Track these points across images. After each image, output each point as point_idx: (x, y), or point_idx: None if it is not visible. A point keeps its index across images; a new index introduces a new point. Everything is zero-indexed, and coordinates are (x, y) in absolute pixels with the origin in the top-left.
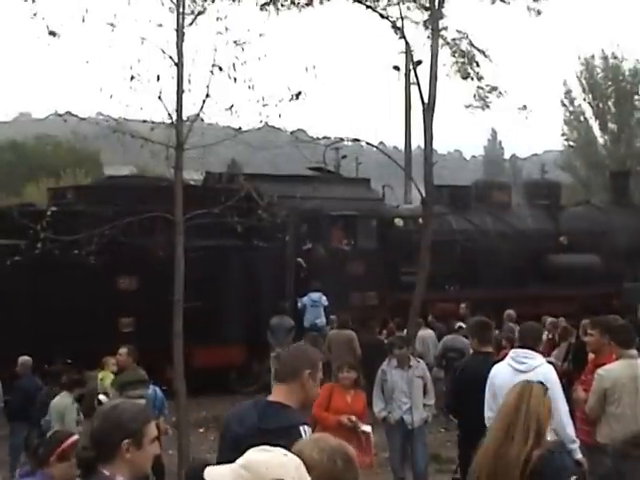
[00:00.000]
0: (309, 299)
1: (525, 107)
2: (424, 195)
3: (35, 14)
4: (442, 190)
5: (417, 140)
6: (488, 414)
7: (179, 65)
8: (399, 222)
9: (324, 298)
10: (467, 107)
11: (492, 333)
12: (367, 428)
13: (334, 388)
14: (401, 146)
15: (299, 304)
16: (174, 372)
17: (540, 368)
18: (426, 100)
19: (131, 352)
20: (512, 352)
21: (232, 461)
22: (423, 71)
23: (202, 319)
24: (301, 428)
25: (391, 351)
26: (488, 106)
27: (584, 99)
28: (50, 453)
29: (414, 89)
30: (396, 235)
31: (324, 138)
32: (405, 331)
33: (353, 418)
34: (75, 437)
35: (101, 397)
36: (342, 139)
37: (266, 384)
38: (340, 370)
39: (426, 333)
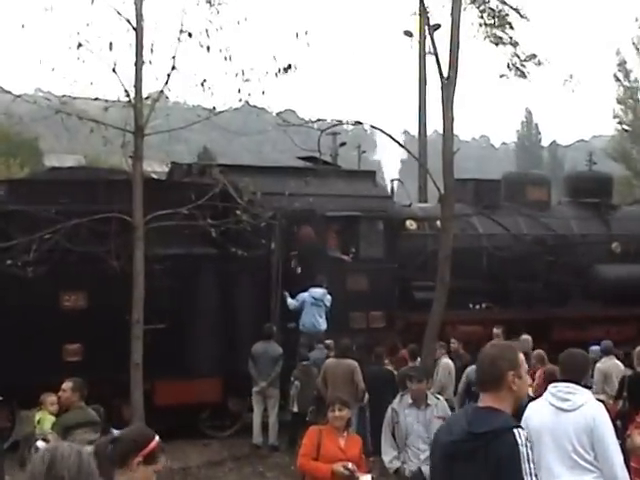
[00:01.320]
0: (310, 296)
1: (571, 77)
2: (442, 191)
3: None
4: (465, 185)
5: (434, 124)
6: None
7: (138, 30)
8: (412, 225)
9: (328, 297)
10: (501, 77)
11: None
12: (367, 478)
13: (323, 432)
14: (414, 131)
15: (294, 302)
16: (132, 411)
17: (587, 407)
18: (445, 73)
19: (78, 387)
20: (551, 387)
21: (445, 472)
22: (442, 37)
23: (167, 345)
24: (515, 431)
25: (404, 385)
26: (525, 76)
27: None
28: (134, 454)
29: (430, 60)
30: (408, 241)
31: (318, 121)
32: (420, 360)
33: (350, 465)
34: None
35: (39, 444)
36: (341, 122)
37: (246, 426)
38: (330, 408)
39: (448, 363)
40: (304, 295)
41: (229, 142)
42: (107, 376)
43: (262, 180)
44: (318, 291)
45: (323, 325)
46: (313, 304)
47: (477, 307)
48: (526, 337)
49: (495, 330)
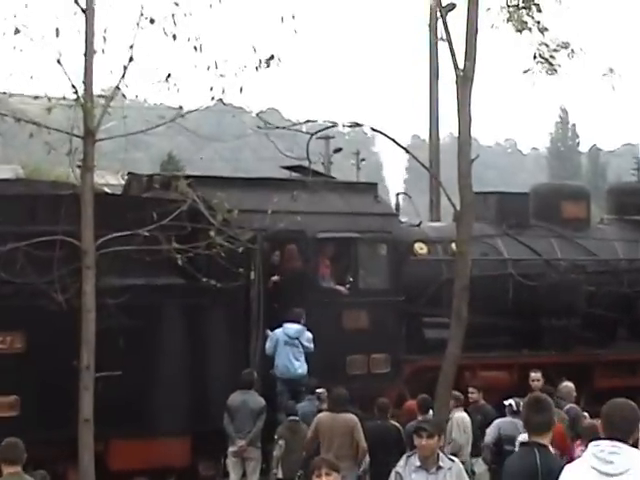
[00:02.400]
0: (283, 333)
1: (612, 71)
2: (458, 207)
3: None
4: (486, 199)
5: (448, 126)
6: None
7: (88, 13)
8: (421, 248)
9: (307, 335)
10: (525, 72)
11: (550, 416)
12: None
13: None
14: (424, 134)
15: (268, 343)
16: (80, 478)
17: (635, 471)
18: (461, 64)
19: (12, 448)
20: (593, 446)
21: None
22: (457, 22)
23: (123, 397)
24: None
25: (412, 444)
26: (555, 70)
27: None
28: None
29: (443, 49)
30: (417, 268)
31: (307, 122)
32: (432, 413)
33: None
34: None
35: None
36: (335, 124)
37: None
38: (315, 473)
39: (463, 418)
40: (277, 333)
41: (199, 148)
42: (50, 435)
43: (240, 195)
44: (292, 327)
45: (300, 369)
46: (287, 343)
47: (502, 349)
48: (568, 385)
49: (533, 374)
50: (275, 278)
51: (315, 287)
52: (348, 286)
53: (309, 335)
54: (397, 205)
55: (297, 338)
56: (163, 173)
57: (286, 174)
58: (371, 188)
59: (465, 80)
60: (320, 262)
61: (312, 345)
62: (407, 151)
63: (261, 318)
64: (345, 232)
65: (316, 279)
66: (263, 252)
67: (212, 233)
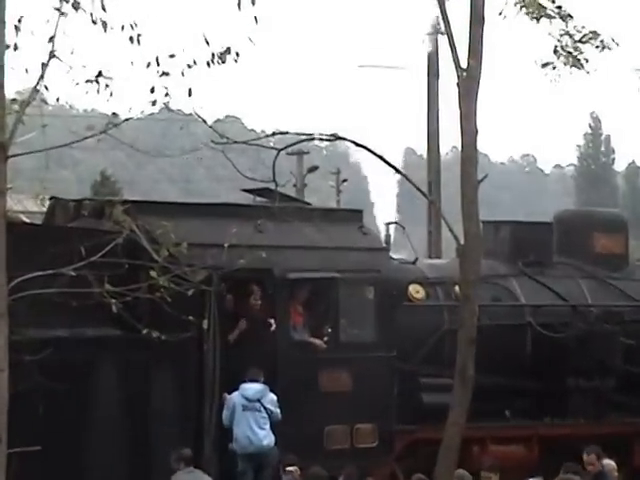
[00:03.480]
0: (240, 395)
1: None
2: (462, 241)
3: None
4: (498, 230)
5: (451, 139)
6: None
7: None
8: (417, 292)
9: (271, 397)
10: (543, 66)
11: None
12: None
13: None
14: (422, 149)
15: (225, 411)
16: None
17: None
18: (464, 64)
19: None
20: None
21: None
22: (459, 10)
23: (44, 476)
24: None
25: None
26: (582, 64)
27: None
28: None
29: (442, 42)
30: (412, 316)
31: (276, 134)
32: None
33: None
34: None
35: None
36: (311, 136)
37: None
38: None
39: None
40: (233, 396)
41: (140, 166)
42: None
43: (191, 224)
44: (252, 388)
45: (266, 439)
46: (246, 408)
47: (518, 416)
48: (610, 464)
49: (586, 457)
50: (235, 333)
51: (285, 340)
52: (326, 339)
53: (273, 397)
54: (387, 237)
55: (258, 400)
56: (94, 197)
57: (249, 199)
58: (355, 216)
59: (469, 81)
60: (291, 308)
61: (278, 410)
62: (398, 171)
63: (217, 378)
64: (323, 271)
65: (286, 329)
66: (220, 296)
67: (154, 273)
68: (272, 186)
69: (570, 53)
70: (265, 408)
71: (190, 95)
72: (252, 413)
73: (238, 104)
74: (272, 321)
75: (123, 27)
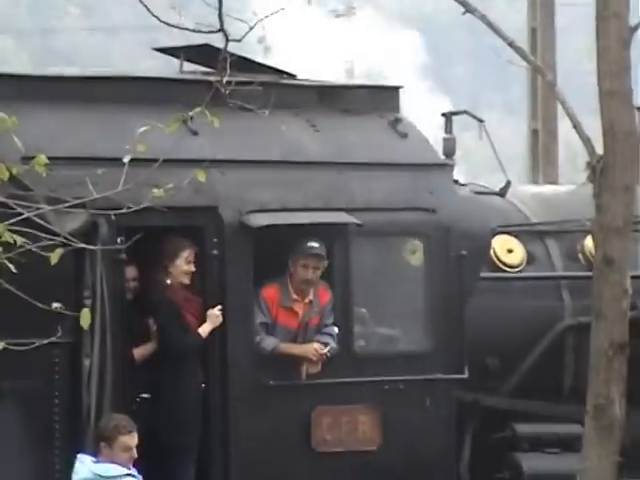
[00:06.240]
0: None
1: None
2: (598, 150)
3: None
4: None
5: None
6: None
7: None
8: (510, 251)
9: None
10: None
11: None
12: None
13: None
14: None
15: None
16: None
17: None
18: None
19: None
20: None
21: None
22: None
23: None
24: None
25: None
26: None
27: None
28: None
29: None
30: (498, 300)
31: None
32: None
33: None
34: None
35: None
36: None
37: None
38: None
39: None
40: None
41: None
42: None
43: (54, 118)
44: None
45: None
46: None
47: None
48: None
49: None
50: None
51: (243, 353)
52: (328, 347)
53: None
54: (451, 143)
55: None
56: None
57: (170, 66)
58: (385, 99)
59: None
60: (266, 285)
61: None
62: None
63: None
64: (321, 212)
65: (246, 329)
66: (113, 264)
67: None
68: (217, 41)
69: None
70: None
71: None
72: None
73: None
74: (216, 312)
75: None
